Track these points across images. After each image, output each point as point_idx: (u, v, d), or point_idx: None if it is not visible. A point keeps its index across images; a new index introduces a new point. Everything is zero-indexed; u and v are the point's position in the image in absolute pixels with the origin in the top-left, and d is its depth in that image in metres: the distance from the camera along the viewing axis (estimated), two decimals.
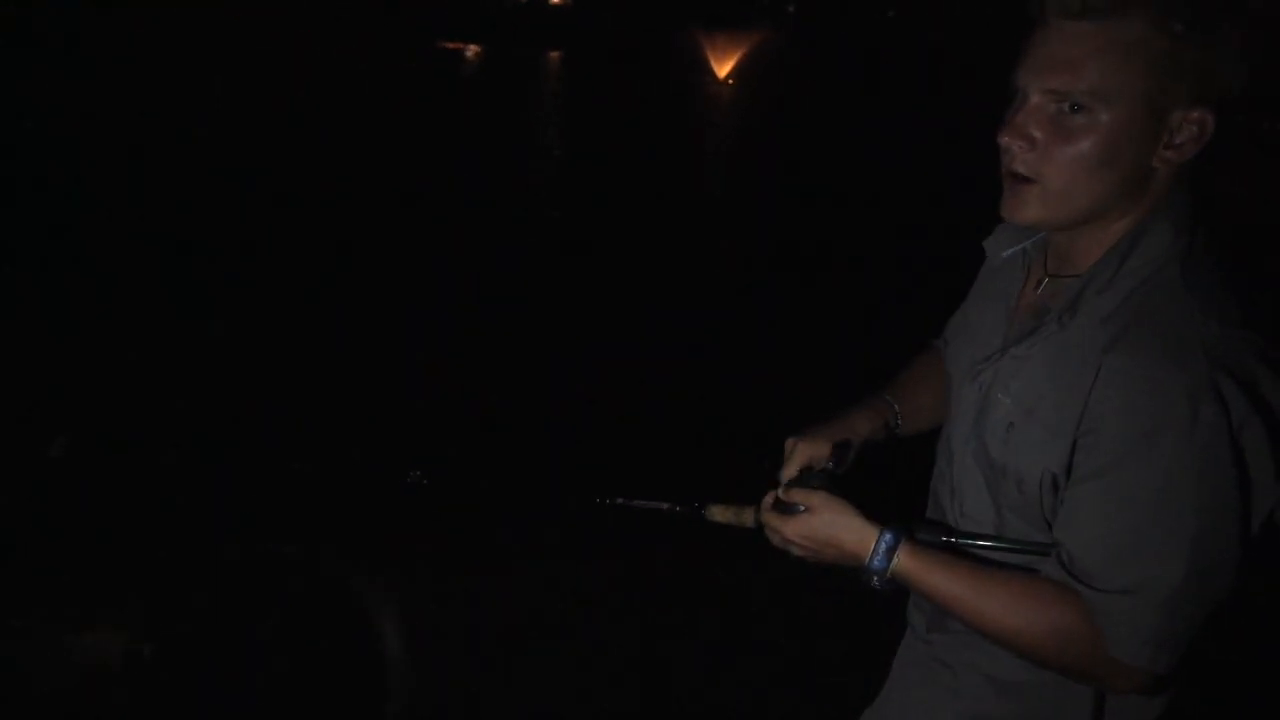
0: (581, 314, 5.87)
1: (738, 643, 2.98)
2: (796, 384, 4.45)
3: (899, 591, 1.25)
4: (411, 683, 2.38)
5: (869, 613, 1.46)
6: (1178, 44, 1.04)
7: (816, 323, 5.75)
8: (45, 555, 2.54)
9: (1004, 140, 1.14)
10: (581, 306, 6.00)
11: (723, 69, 19.23)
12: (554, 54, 20.92)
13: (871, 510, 1.27)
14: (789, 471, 1.40)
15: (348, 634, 2.40)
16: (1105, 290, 1.13)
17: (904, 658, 1.49)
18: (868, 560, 1.22)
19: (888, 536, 1.22)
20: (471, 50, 20.70)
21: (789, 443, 1.45)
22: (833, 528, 1.25)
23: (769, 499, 1.35)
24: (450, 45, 20.56)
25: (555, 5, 24.33)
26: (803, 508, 1.28)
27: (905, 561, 1.21)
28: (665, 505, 1.44)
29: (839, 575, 1.30)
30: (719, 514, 1.41)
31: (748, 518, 1.38)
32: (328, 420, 4.01)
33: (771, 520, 1.32)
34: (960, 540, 1.26)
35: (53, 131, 9.08)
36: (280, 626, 2.35)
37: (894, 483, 1.45)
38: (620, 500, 1.47)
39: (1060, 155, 1.10)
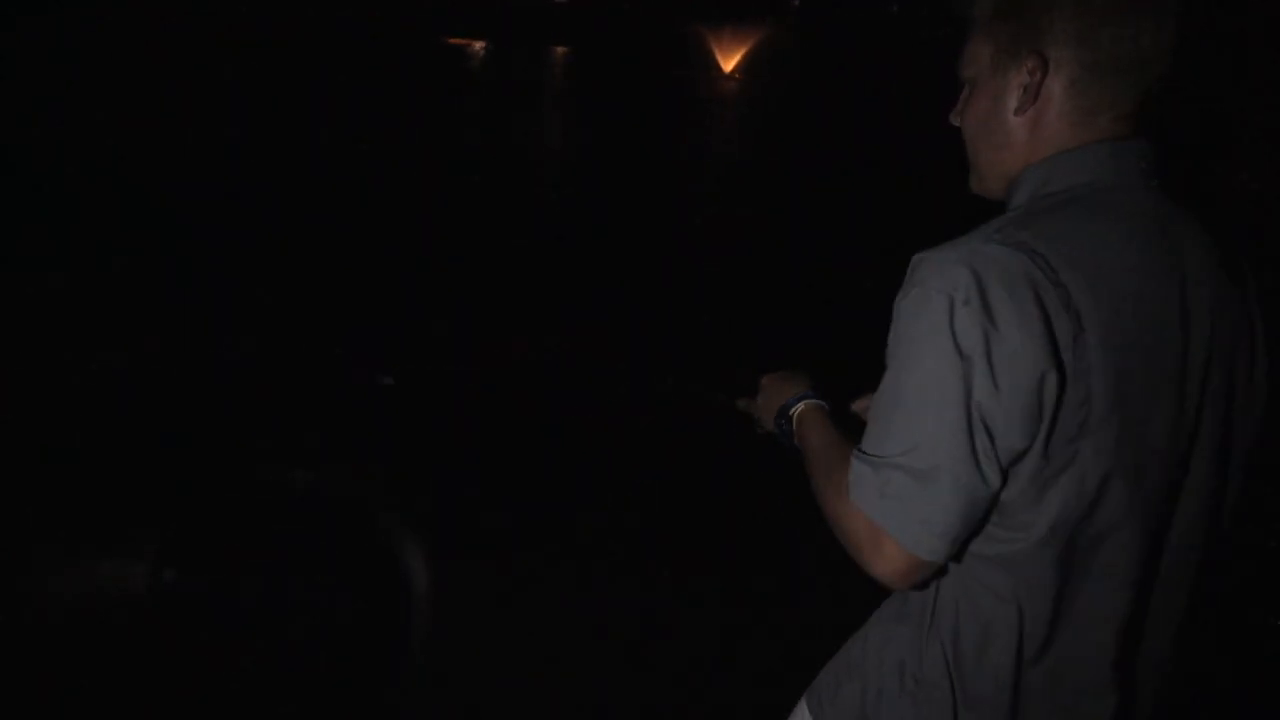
0: (579, 303, 5.82)
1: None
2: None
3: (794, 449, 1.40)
4: (433, 611, 2.38)
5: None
6: (1004, 8, 1.16)
7: (814, 318, 5.70)
8: (66, 481, 2.53)
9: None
10: (579, 297, 5.95)
11: (729, 63, 19.25)
12: (559, 50, 20.95)
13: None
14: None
15: (372, 562, 2.40)
16: None
17: None
18: (787, 400, 1.44)
19: (810, 393, 1.44)
20: (477, 46, 20.72)
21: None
22: (787, 379, 1.49)
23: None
24: (456, 41, 20.59)
25: (560, 2, 24.35)
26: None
27: (804, 412, 1.40)
28: (714, 394, 1.64)
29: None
30: (742, 405, 1.61)
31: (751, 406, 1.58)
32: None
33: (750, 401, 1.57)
34: None
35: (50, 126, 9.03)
36: (303, 553, 2.34)
37: None
38: (671, 381, 1.70)
39: (965, 130, 1.25)
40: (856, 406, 1.57)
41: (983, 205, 1.26)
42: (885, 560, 1.10)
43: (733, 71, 19.22)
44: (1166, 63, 1.12)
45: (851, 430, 1.29)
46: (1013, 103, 1.16)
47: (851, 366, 1.55)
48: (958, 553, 1.13)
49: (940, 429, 1.05)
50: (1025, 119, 1.16)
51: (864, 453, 1.12)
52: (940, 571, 1.16)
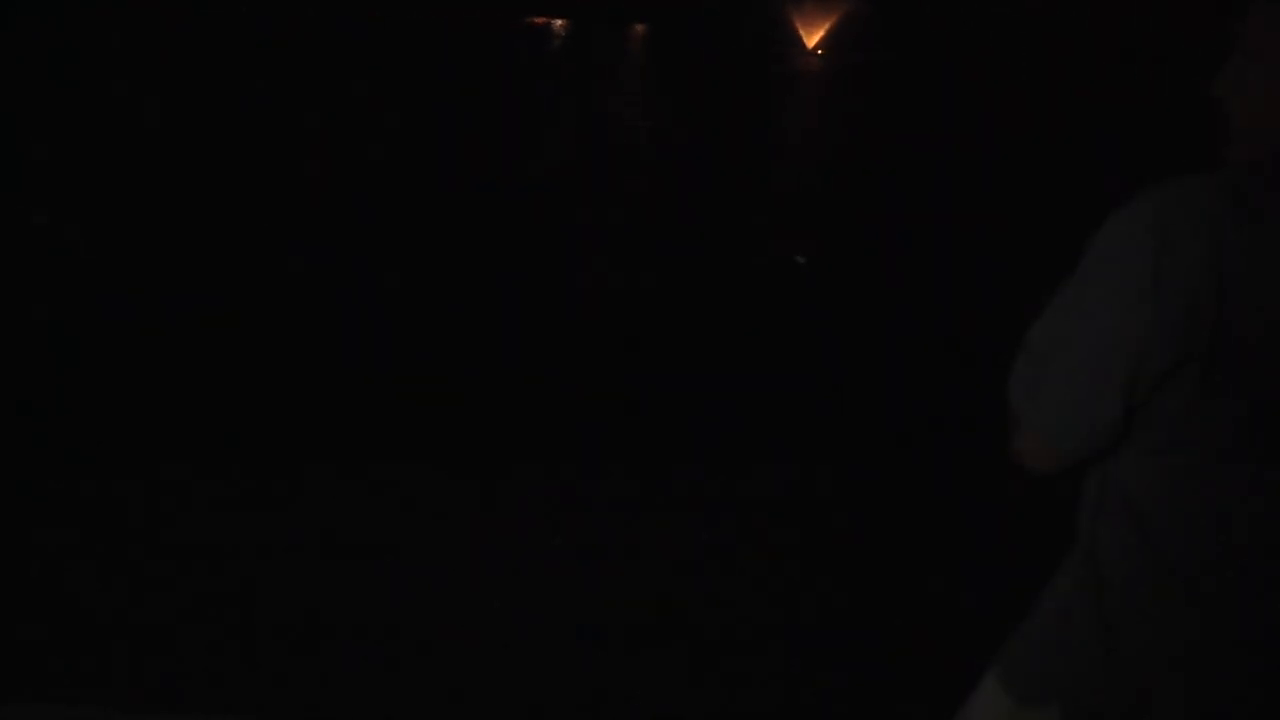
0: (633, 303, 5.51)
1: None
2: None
3: None
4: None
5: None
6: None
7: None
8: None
9: None
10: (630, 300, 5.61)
11: (811, 39, 18.93)
12: (639, 27, 20.84)
13: None
14: None
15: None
16: None
17: None
18: None
19: None
20: (558, 24, 20.71)
21: None
22: None
23: None
24: (538, 20, 20.60)
25: None
26: None
27: None
28: None
29: None
30: None
31: None
32: None
33: None
34: None
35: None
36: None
37: None
38: None
39: (1237, 97, 1.22)
40: None
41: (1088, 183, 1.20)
42: (1022, 442, 1.18)
43: (816, 47, 18.90)
44: None
45: None
46: None
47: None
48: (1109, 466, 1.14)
49: (1091, 334, 1.11)
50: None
51: (1024, 348, 1.20)
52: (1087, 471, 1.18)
